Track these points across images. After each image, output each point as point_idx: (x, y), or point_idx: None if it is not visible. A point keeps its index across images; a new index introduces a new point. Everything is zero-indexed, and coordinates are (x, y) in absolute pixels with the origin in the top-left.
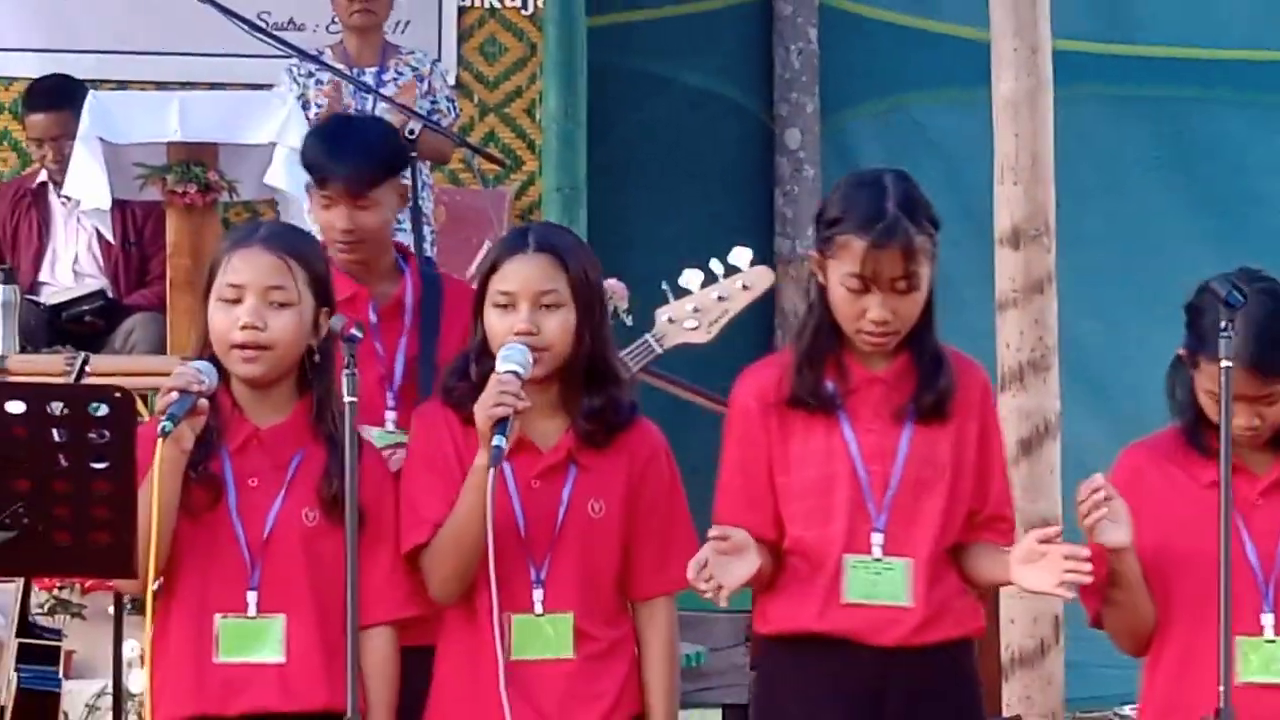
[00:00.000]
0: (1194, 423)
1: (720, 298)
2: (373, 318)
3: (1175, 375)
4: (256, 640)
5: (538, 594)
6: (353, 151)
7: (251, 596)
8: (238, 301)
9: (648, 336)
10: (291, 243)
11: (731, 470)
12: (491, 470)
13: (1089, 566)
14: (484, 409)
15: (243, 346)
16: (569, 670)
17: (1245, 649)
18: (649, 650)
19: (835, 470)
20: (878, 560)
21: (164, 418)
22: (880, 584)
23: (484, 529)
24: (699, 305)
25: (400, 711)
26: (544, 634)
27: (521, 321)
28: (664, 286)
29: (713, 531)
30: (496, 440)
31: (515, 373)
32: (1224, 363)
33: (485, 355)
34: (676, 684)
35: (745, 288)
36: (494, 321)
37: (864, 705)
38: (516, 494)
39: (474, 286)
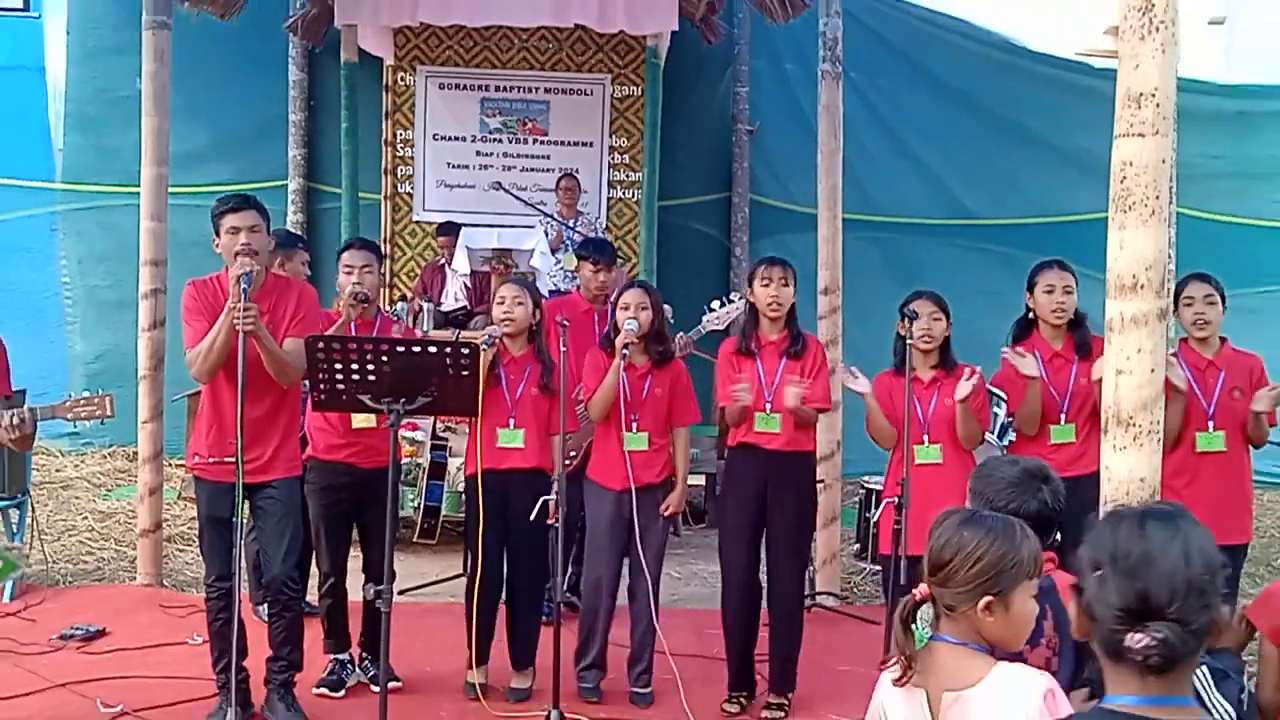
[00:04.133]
0: (901, 362)
1: (728, 312)
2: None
3: (896, 341)
4: (513, 438)
5: (634, 425)
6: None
7: (511, 421)
8: (502, 303)
9: (698, 327)
10: (525, 282)
11: (722, 378)
12: (622, 362)
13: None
14: (620, 342)
15: (503, 320)
16: (646, 456)
17: (917, 449)
18: (678, 447)
19: (755, 380)
20: (767, 414)
21: (485, 343)
22: (769, 423)
23: (616, 395)
24: (719, 315)
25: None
26: (637, 440)
27: (631, 317)
28: (705, 307)
29: (851, 377)
30: (625, 353)
31: (633, 329)
32: (910, 340)
33: (615, 330)
34: (688, 462)
35: (734, 309)
36: (619, 315)
37: (762, 485)
38: (626, 384)
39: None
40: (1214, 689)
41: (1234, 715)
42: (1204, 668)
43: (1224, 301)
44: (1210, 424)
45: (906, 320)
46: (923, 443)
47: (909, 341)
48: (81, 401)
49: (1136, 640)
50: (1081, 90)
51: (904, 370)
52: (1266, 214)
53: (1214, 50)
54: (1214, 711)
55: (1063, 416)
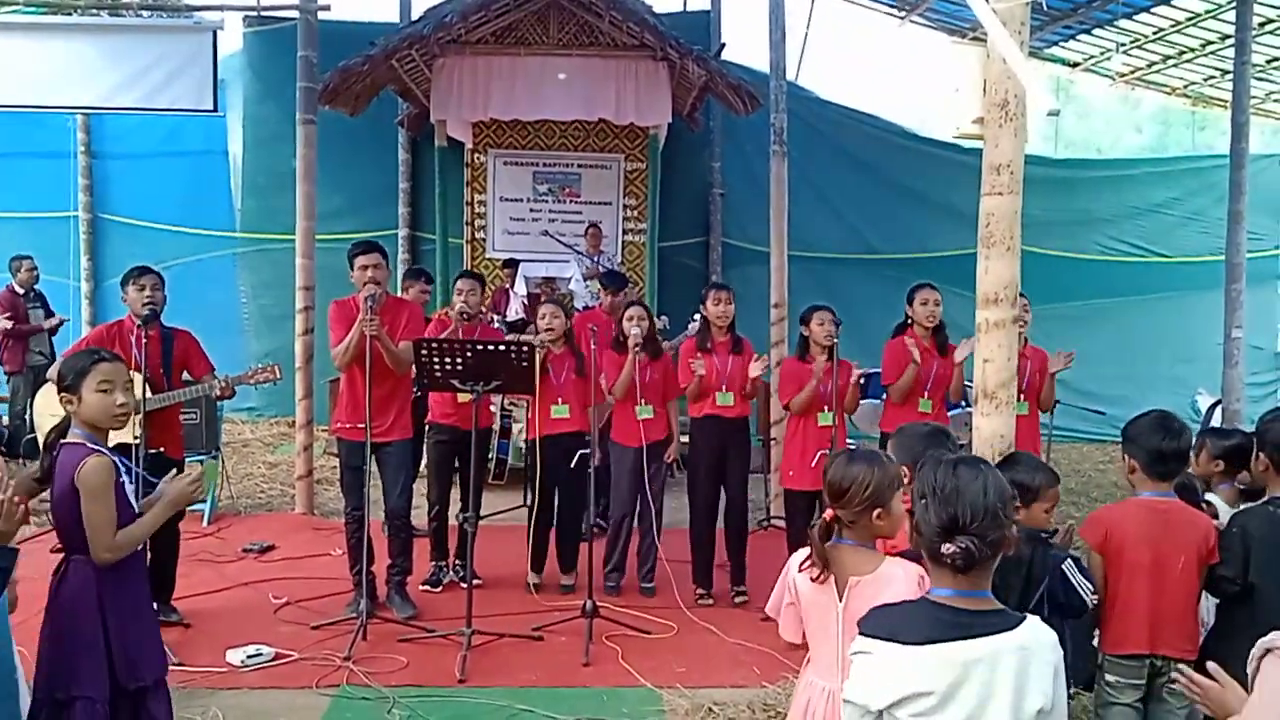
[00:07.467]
0: (802, 352)
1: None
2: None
3: (800, 341)
4: (562, 411)
5: (643, 400)
6: (620, 280)
7: (560, 399)
8: (544, 318)
9: (684, 333)
10: (559, 300)
11: (683, 368)
12: (633, 357)
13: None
14: (632, 344)
15: (546, 330)
16: (652, 420)
17: (819, 415)
18: (671, 414)
19: (711, 368)
20: (724, 392)
21: (539, 344)
22: (725, 399)
23: (634, 379)
24: (699, 323)
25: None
26: (646, 411)
27: (635, 326)
28: (689, 318)
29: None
30: (636, 353)
31: (638, 334)
32: (822, 336)
33: (623, 335)
34: (677, 425)
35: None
36: (625, 325)
37: (722, 442)
38: (638, 372)
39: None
40: (1079, 572)
41: (1091, 588)
42: (1071, 560)
43: (1028, 311)
44: (1021, 396)
45: (809, 325)
46: (824, 411)
47: (810, 339)
48: (259, 370)
49: (947, 549)
50: (955, 163)
51: (805, 357)
52: (1085, 251)
53: (1049, 135)
54: (1080, 588)
55: (926, 393)
